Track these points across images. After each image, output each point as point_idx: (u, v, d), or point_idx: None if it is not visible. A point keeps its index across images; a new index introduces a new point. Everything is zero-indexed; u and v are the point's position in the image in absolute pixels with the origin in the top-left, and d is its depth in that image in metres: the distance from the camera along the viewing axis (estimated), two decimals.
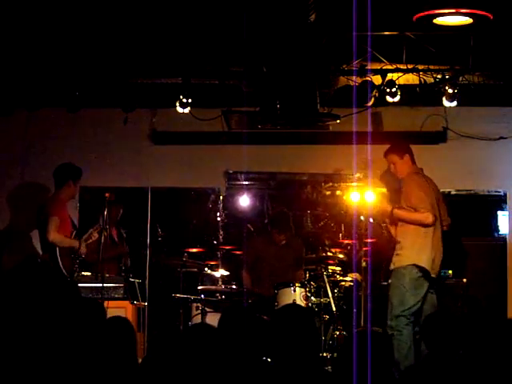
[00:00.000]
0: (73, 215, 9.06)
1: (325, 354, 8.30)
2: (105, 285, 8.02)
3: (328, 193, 10.17)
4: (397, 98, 8.30)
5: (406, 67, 8.16)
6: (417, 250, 7.67)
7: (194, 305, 8.65)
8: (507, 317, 8.84)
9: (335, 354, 8.21)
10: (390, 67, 8.22)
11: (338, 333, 8.55)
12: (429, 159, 9.18)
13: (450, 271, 9.11)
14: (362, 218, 8.83)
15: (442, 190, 8.27)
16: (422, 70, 8.29)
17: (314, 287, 8.68)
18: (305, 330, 4.34)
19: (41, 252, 8.51)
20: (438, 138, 9.48)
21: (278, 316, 4.56)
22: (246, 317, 4.66)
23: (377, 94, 8.26)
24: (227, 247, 9.76)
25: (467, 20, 7.01)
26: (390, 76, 8.25)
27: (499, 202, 9.78)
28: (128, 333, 4.49)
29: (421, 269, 7.63)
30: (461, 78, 8.34)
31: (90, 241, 8.29)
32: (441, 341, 4.90)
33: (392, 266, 7.75)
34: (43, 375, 4.28)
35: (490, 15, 6.85)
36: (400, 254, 7.73)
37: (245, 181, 10.16)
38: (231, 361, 4.33)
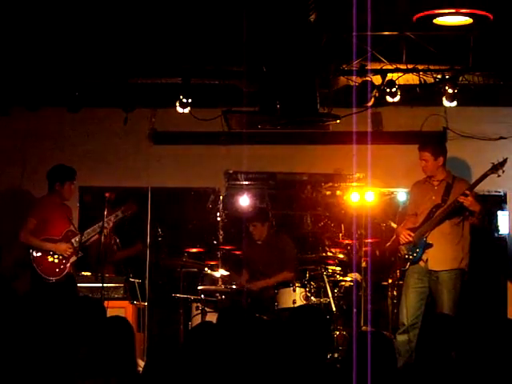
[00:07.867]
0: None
1: None
2: (105, 285, 8.03)
3: (328, 193, 10.16)
4: (397, 98, 8.29)
5: (406, 67, 8.16)
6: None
7: (194, 305, 8.66)
8: (507, 317, 8.83)
9: (335, 354, 8.21)
10: (389, 67, 8.22)
11: (338, 333, 8.54)
12: None
13: None
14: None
15: None
16: (422, 70, 8.29)
17: (314, 287, 8.67)
18: (321, 333, 4.36)
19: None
20: (438, 138, 9.46)
21: (294, 317, 4.56)
22: (245, 316, 4.66)
23: (377, 94, 8.25)
24: (227, 247, 9.75)
25: (467, 20, 7.02)
26: (389, 76, 8.25)
27: (499, 202, 9.76)
28: (126, 332, 4.49)
29: None
30: (461, 78, 8.34)
31: (90, 241, 8.26)
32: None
33: (447, 267, 7.78)
34: (41, 374, 4.28)
35: (490, 15, 6.86)
36: (459, 255, 7.80)
37: (245, 181, 10.15)
38: (231, 359, 4.34)
